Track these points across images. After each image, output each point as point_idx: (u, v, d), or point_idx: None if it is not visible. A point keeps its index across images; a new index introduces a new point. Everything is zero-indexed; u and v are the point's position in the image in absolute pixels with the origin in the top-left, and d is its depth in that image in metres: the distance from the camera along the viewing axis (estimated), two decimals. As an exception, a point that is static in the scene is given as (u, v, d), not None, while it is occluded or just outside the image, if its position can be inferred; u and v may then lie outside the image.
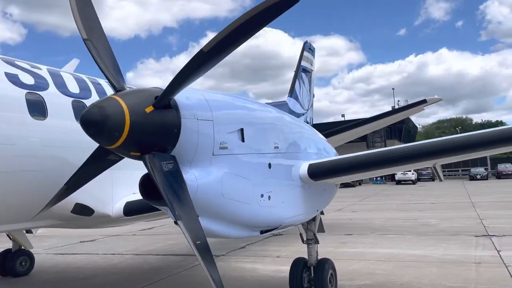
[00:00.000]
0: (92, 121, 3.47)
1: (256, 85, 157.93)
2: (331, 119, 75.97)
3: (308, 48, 18.46)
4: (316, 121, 22.79)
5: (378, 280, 7.85)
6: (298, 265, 6.83)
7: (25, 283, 9.27)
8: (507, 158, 64.08)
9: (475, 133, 5.12)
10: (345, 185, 49.27)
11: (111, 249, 12.87)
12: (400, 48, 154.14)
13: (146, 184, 3.80)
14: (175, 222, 3.47)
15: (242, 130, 4.45)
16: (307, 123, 17.61)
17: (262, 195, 4.68)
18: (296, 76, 17.14)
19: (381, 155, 5.68)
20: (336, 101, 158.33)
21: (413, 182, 50.19)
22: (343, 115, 70.14)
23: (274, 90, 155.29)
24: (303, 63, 17.74)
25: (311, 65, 18.56)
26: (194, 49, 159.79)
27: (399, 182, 50.92)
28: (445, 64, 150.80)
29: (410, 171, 50.82)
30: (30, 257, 10.02)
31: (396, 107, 76.20)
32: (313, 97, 19.13)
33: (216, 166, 4.10)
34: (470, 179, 51.83)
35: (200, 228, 3.60)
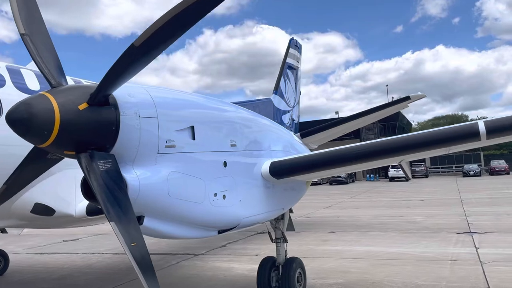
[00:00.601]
0: (18, 119, 3.34)
1: (253, 82, 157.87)
2: (328, 116, 75.93)
3: (294, 45, 18.34)
4: (313, 118, 22.72)
5: (350, 279, 7.77)
6: (266, 265, 6.75)
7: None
8: (500, 154, 64.31)
9: (438, 129, 5.03)
10: (338, 182, 49.38)
11: (92, 248, 12.76)
12: (397, 45, 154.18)
13: (87, 183, 3.69)
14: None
15: (192, 127, 4.33)
16: (293, 120, 17.56)
17: (215, 194, 4.57)
18: (281, 73, 17.02)
19: (344, 152, 5.59)
20: (333, 98, 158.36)
21: (406, 179, 50.21)
22: (337, 112, 69.97)
23: (271, 87, 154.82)
24: (289, 60, 17.62)
25: (297, 62, 18.45)
26: (191, 46, 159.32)
27: (392, 179, 50.97)
28: (442, 61, 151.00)
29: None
30: (4, 257, 9.90)
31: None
32: (300, 94, 19.03)
33: (161, 165, 3.98)
34: (464, 176, 51.92)
35: (137, 230, 3.48)
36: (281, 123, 16.30)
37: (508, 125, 4.64)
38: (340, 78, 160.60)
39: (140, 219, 4.00)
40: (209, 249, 11.76)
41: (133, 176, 3.74)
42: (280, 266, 6.69)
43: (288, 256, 6.93)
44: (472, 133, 4.73)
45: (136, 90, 3.92)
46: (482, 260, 8.56)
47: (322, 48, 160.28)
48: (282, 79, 16.96)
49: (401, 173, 50.13)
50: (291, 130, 16.68)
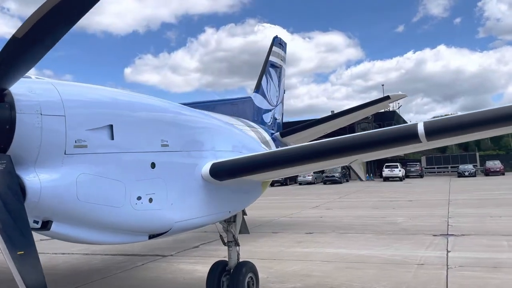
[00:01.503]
0: None
1: (254, 81, 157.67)
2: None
3: (278, 43, 18.09)
4: (313, 117, 22.48)
5: (310, 283, 7.56)
6: (217, 269, 6.53)
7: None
8: (496, 155, 64.06)
9: (378, 130, 4.80)
10: (332, 182, 49.18)
11: (63, 248, 12.51)
12: (398, 44, 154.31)
13: None
14: None
15: (111, 126, 4.10)
16: (275, 119, 17.31)
17: (139, 198, 4.33)
18: (263, 72, 16.77)
19: (288, 153, 5.37)
20: (334, 97, 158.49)
21: (400, 179, 50.00)
22: (332, 111, 69.67)
23: None
24: (272, 58, 17.36)
25: (281, 60, 18.20)
26: (193, 44, 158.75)
27: (386, 178, 50.74)
28: (443, 60, 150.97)
29: (397, 167, 50.72)
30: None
31: (392, 104, 75.69)
32: (284, 92, 18.79)
33: (70, 166, 3.75)
34: (458, 176, 51.66)
35: (27, 237, 3.25)
36: (262, 122, 16.07)
37: (447, 127, 4.41)
38: (341, 77, 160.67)
39: (47, 224, 3.78)
40: (180, 250, 11.55)
41: (33, 178, 3.51)
42: (231, 270, 6.46)
43: (241, 259, 6.71)
44: (411, 135, 4.49)
45: (40, 86, 3.69)
46: (449, 265, 8.34)
47: (323, 47, 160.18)
48: (264, 77, 16.71)
49: (395, 172, 49.97)
50: (272, 129, 16.46)
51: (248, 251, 10.97)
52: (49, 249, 12.39)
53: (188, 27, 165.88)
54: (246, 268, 6.44)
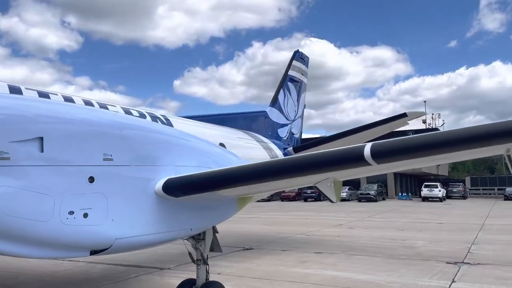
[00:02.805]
0: None
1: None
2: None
3: (299, 57, 17.92)
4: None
5: (288, 308, 7.18)
6: (184, 287, 6.34)
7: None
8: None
9: (324, 151, 4.48)
10: (367, 199, 47.73)
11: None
12: (450, 60, 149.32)
13: None
14: None
15: (41, 139, 4.07)
16: (292, 134, 17.02)
17: (71, 212, 4.27)
18: (280, 86, 16.60)
19: (244, 170, 5.15)
20: (381, 112, 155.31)
21: (440, 200, 47.68)
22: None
23: (317, 100, 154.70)
24: (291, 73, 17.18)
25: (302, 74, 17.96)
26: (240, 58, 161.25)
27: (425, 199, 48.55)
28: (498, 77, 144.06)
29: (437, 187, 48.46)
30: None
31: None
32: (304, 107, 18.48)
33: (-11, 178, 3.74)
34: (505, 199, 48.59)
35: None
36: (277, 136, 15.85)
37: (395, 149, 4.03)
38: (389, 93, 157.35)
39: (-33, 235, 3.78)
40: (181, 263, 11.44)
41: None
42: (198, 290, 6.27)
43: (209, 279, 6.50)
44: (357, 156, 4.15)
45: None
46: (446, 297, 7.68)
47: (371, 62, 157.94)
48: (281, 91, 16.53)
49: (434, 192, 47.76)
50: (288, 144, 16.19)
51: (245, 268, 10.74)
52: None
53: (235, 41, 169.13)
54: (213, 288, 6.21)
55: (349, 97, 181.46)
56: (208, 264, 6.53)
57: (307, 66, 18.52)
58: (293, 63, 17.37)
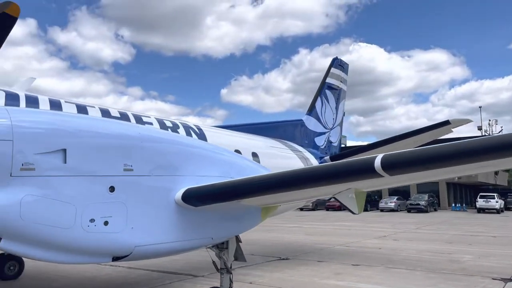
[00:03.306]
0: None
1: (347, 101, 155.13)
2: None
3: (338, 64, 17.74)
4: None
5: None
6: (208, 295, 6.43)
7: (6, 287, 9.98)
8: None
9: (336, 163, 4.42)
10: (417, 210, 45.97)
11: (113, 261, 13.30)
12: (511, 62, 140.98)
13: None
14: None
15: (64, 150, 4.34)
16: (330, 142, 16.82)
17: (92, 220, 4.49)
18: (318, 94, 16.50)
19: (262, 180, 5.18)
20: (436, 119, 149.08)
21: (497, 211, 44.94)
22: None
23: (366, 106, 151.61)
24: (329, 80, 17.04)
25: (341, 82, 17.75)
26: (286, 65, 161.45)
27: (481, 210, 45.96)
28: None
29: (494, 198, 45.77)
30: (19, 262, 10.75)
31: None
32: (344, 115, 18.22)
33: (15, 187, 4.04)
34: None
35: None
36: (314, 145, 15.73)
37: (406, 160, 3.91)
38: (444, 98, 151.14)
39: (-4, 239, 4.08)
40: (215, 271, 11.57)
41: None
42: (221, 299, 6.34)
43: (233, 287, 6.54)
44: (368, 168, 4.06)
45: None
46: (486, 316, 7.25)
47: (424, 66, 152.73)
48: (318, 99, 16.43)
49: (491, 204, 45.15)
50: (326, 152, 16.01)
51: (277, 278, 10.70)
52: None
53: (282, 49, 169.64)
54: (235, 297, 6.25)
55: (401, 102, 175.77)
56: (231, 273, 6.59)
57: (346, 73, 18.28)
58: (331, 71, 17.21)
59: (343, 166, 4.34)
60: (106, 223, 4.59)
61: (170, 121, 9.79)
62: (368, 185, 4.81)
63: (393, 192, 53.74)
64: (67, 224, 4.32)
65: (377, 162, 4.01)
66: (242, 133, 11.75)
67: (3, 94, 7.10)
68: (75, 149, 4.41)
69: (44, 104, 7.40)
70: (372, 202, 50.95)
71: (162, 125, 9.46)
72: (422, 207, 45.66)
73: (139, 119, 9.08)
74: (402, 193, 52.11)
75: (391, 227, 27.45)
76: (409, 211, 46.51)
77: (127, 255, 4.92)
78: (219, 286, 6.72)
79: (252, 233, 24.71)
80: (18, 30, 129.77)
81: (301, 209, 52.68)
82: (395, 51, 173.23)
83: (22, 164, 4.09)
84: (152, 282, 10.20)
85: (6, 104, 6.85)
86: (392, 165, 3.98)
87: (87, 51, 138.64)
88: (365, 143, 50.90)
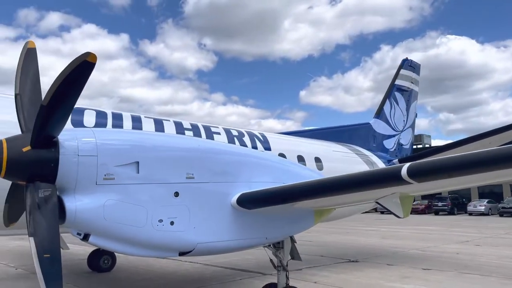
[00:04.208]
0: None
1: (435, 98, 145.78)
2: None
3: (408, 65, 17.47)
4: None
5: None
6: (267, 290, 7.09)
7: (102, 277, 11.54)
8: None
9: (361, 172, 4.80)
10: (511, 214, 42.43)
11: (192, 258, 14.51)
12: None
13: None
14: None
15: (137, 163, 5.26)
16: (400, 144, 16.60)
17: (161, 220, 5.36)
18: (386, 97, 16.41)
19: (305, 186, 5.71)
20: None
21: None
22: None
23: (457, 102, 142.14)
24: (399, 82, 16.84)
25: (412, 83, 17.43)
26: (367, 63, 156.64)
27: None
28: None
29: None
30: (112, 257, 12.32)
31: None
32: (416, 116, 17.83)
33: (100, 193, 5.01)
34: None
35: (53, 244, 4.50)
36: (383, 148, 15.69)
37: (432, 168, 4.21)
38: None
39: (87, 236, 5.11)
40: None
41: (71, 201, 4.87)
42: (278, 293, 6.95)
43: (289, 284, 7.11)
44: (395, 176, 4.42)
45: (82, 134, 5.09)
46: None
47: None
48: (387, 102, 16.34)
49: None
50: (396, 155, 15.87)
51: (342, 279, 11.01)
52: (186, 258, 14.48)
53: (362, 47, 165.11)
54: (291, 292, 6.83)
55: (497, 97, 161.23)
56: (287, 271, 7.15)
57: (418, 73, 17.88)
58: (400, 72, 16.99)
59: (372, 174, 4.71)
60: (172, 223, 5.44)
61: (236, 129, 10.64)
62: (408, 190, 5.10)
63: (483, 195, 50.11)
64: (140, 223, 5.23)
65: (404, 171, 4.34)
66: (306, 139, 12.25)
67: (94, 112, 8.42)
68: (145, 161, 5.32)
69: (127, 120, 8.63)
70: (459, 205, 47.97)
71: (229, 134, 10.34)
72: (519, 211, 42.03)
73: (208, 129, 10.04)
74: (494, 195, 48.39)
75: (476, 232, 25.88)
76: (501, 215, 43.03)
77: (191, 251, 5.74)
78: (276, 282, 7.31)
79: (326, 235, 25.00)
80: (113, 44, 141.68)
81: (382, 212, 51.27)
82: (489, 42, 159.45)
83: (105, 175, 5.07)
84: (225, 278, 11.10)
85: (96, 120, 8.15)
86: (419, 173, 4.29)
87: (174, 60, 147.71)
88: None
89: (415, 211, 49.88)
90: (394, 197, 5.66)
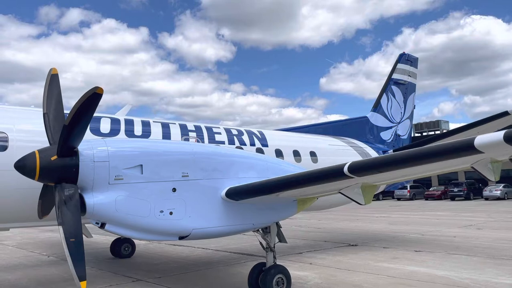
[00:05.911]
0: (18, 166, 6.19)
1: (460, 81, 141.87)
2: None
3: (405, 59, 18.30)
4: None
5: (347, 292, 8.56)
6: (256, 268, 8.37)
7: (122, 262, 13.04)
8: None
9: (318, 169, 5.96)
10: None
11: (204, 245, 15.88)
12: None
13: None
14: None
15: (141, 165, 6.56)
16: (398, 136, 17.53)
17: (161, 211, 6.66)
18: (383, 90, 17.32)
19: (298, 176, 6.89)
20: None
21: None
22: None
23: (482, 84, 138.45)
24: (395, 76, 17.72)
25: (409, 76, 18.27)
26: (388, 47, 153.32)
27: None
28: None
29: None
30: (131, 244, 13.82)
31: None
32: (414, 108, 18.67)
33: (112, 191, 6.33)
34: None
35: (77, 230, 5.86)
36: (381, 140, 16.67)
37: (364, 166, 5.35)
38: None
39: (103, 225, 6.46)
40: (283, 254, 13.45)
41: (90, 197, 6.22)
42: (265, 270, 8.21)
43: (276, 262, 8.36)
44: (338, 172, 5.60)
45: (97, 144, 6.41)
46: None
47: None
48: (384, 96, 17.25)
49: None
50: (393, 146, 16.83)
51: (336, 260, 12.20)
52: (200, 245, 15.85)
53: (383, 31, 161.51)
54: (276, 269, 8.10)
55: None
56: (274, 251, 8.38)
57: (415, 67, 18.68)
58: (397, 66, 17.84)
59: (325, 171, 5.87)
60: (171, 213, 6.73)
61: (236, 129, 11.88)
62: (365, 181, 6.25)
63: (500, 179, 50.06)
64: (145, 213, 6.54)
65: (345, 168, 5.50)
66: (301, 134, 13.39)
67: (109, 120, 9.80)
68: (148, 164, 6.62)
69: (137, 124, 9.98)
70: (475, 190, 48.17)
71: (229, 133, 11.59)
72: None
73: (209, 130, 11.31)
74: (510, 179, 48.34)
75: (485, 216, 26.52)
76: (515, 199, 43.25)
77: (188, 235, 7.03)
78: (265, 261, 8.55)
79: (336, 222, 25.96)
80: (133, 38, 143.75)
81: (398, 199, 51.89)
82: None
83: (115, 176, 6.38)
84: (231, 261, 12.44)
85: (111, 126, 9.54)
86: (356, 169, 5.44)
87: (193, 52, 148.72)
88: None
89: (431, 197, 50.35)
90: (356, 187, 6.83)
